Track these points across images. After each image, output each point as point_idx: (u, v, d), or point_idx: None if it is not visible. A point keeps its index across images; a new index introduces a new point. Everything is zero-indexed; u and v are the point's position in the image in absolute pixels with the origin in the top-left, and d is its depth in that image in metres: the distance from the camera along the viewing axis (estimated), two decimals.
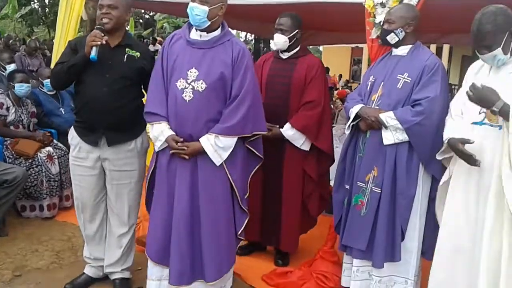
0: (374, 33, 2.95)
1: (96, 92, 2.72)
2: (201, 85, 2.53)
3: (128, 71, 2.75)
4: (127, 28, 2.94)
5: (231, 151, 2.57)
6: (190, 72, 2.55)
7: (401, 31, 2.70)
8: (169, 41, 2.71)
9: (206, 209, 2.59)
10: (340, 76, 17.68)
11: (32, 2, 22.35)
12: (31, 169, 4.08)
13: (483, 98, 2.12)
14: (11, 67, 5.27)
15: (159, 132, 2.59)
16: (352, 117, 2.78)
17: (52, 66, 4.39)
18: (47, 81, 4.71)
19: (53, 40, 9.33)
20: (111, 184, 2.89)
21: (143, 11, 21.72)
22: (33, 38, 12.94)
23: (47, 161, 4.19)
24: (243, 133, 2.59)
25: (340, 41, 7.40)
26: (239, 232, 2.74)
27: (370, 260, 2.77)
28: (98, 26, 2.69)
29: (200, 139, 2.53)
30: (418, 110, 2.58)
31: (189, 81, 2.54)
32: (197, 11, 2.52)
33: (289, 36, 3.26)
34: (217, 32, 2.63)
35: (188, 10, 2.56)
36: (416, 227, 2.71)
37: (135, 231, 3.09)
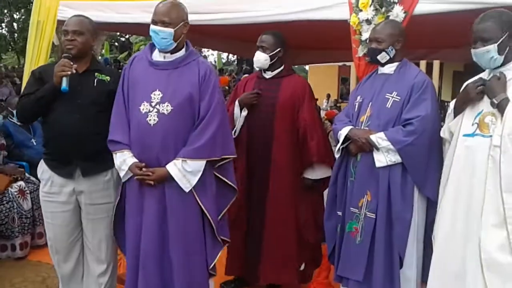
0: (360, 51, 2.99)
1: (67, 120, 2.71)
2: (166, 108, 2.54)
3: (99, 97, 2.75)
4: (102, 52, 2.95)
5: (200, 178, 2.56)
6: (154, 94, 2.56)
7: (392, 49, 2.75)
8: (130, 64, 2.75)
9: (176, 239, 2.57)
10: (328, 96, 17.82)
11: (0, 28, 22.37)
12: (2, 206, 4.04)
13: (491, 87, 2.22)
14: None
15: (121, 161, 2.59)
16: (341, 139, 2.79)
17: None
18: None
19: (23, 67, 9.30)
20: (87, 219, 2.85)
21: (118, 34, 21.84)
22: (0, 65, 12.88)
23: (19, 197, 4.15)
24: (211, 156, 2.58)
25: (326, 59, 7.49)
26: (211, 266, 2.70)
27: None
28: (65, 54, 2.71)
29: (167, 165, 2.52)
30: (409, 130, 2.61)
31: (153, 104, 2.55)
32: (163, 35, 2.55)
33: (271, 54, 3.30)
34: (182, 52, 2.67)
35: (151, 33, 2.58)
36: (414, 253, 2.70)
37: (116, 269, 3.04)
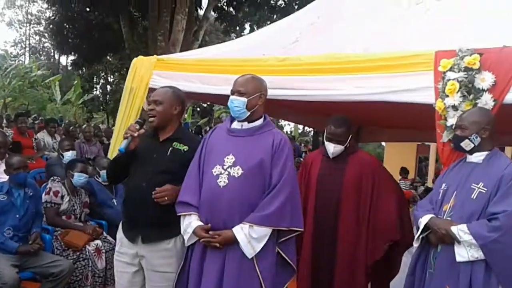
0: (445, 137, 2.91)
1: (135, 185, 2.80)
2: (237, 171, 2.56)
3: (170, 165, 2.79)
4: (185, 117, 3.06)
5: (263, 246, 2.52)
6: (227, 158, 2.61)
7: (476, 137, 2.64)
8: (211, 133, 2.83)
9: None
10: (406, 169, 17.29)
11: (94, 89, 23.99)
12: (78, 262, 4.14)
13: None
14: (69, 154, 5.51)
15: (187, 224, 2.62)
16: (421, 227, 2.66)
17: (109, 154, 4.62)
18: (103, 172, 4.87)
19: (112, 128, 9.84)
20: (149, 285, 2.84)
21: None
22: (89, 124, 13.68)
23: (95, 255, 4.25)
24: (279, 225, 2.54)
25: (405, 138, 7.36)
26: None
27: None
28: (138, 120, 2.84)
29: (233, 229, 2.50)
30: (495, 225, 2.43)
31: (225, 167, 2.59)
32: (236, 103, 2.65)
33: (345, 145, 3.32)
34: (259, 122, 2.72)
35: (228, 103, 2.69)
36: None
37: None
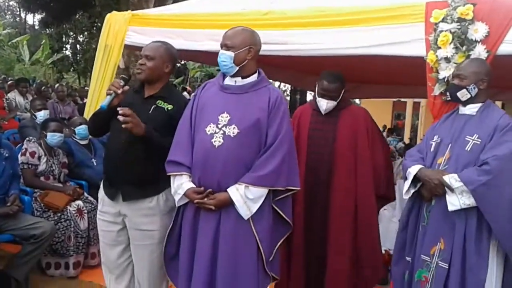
0: (437, 89, 2.86)
1: (115, 143, 2.71)
2: (233, 130, 2.48)
3: (151, 123, 2.67)
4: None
5: (259, 206, 2.47)
6: (222, 116, 2.52)
7: (474, 88, 2.58)
8: (201, 89, 2.72)
9: (225, 267, 2.47)
10: (384, 127, 17.53)
11: (64, 49, 23.32)
12: (60, 224, 4.05)
13: None
14: (41, 114, 5.37)
15: (178, 185, 2.54)
16: (410, 178, 2.63)
17: (85, 114, 4.49)
18: (78, 129, 4.79)
19: (85, 88, 9.63)
20: (132, 244, 2.81)
21: None
22: (62, 83, 13.33)
23: (76, 216, 4.15)
24: (275, 185, 2.49)
25: (385, 94, 7.36)
26: None
27: None
28: (122, 75, 2.72)
29: (228, 190, 2.44)
30: (485, 169, 2.40)
31: (219, 125, 2.50)
32: (223, 57, 2.55)
33: (338, 100, 3.24)
34: (253, 78, 2.62)
35: (218, 58, 2.59)
36: None
37: None
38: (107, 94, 2.66)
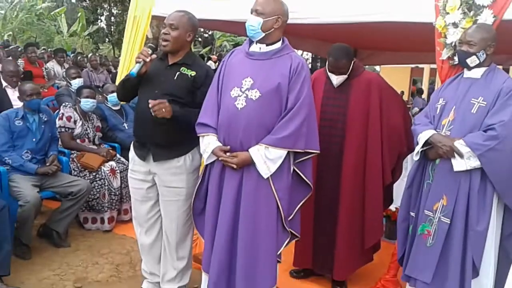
0: (445, 54, 2.79)
1: (144, 108, 2.72)
2: (255, 94, 2.48)
3: (176, 89, 2.72)
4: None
5: (279, 167, 2.49)
6: (245, 81, 2.52)
7: (483, 54, 2.53)
8: (229, 56, 2.72)
9: (246, 221, 2.52)
10: (402, 93, 17.19)
11: (99, 21, 23.38)
12: (95, 182, 4.18)
13: None
14: (76, 82, 5.45)
15: (206, 144, 2.57)
16: (421, 143, 2.61)
17: (116, 82, 4.54)
18: (110, 96, 4.88)
19: (118, 58, 9.66)
20: (161, 200, 2.89)
21: (202, 29, 22.26)
22: (94, 53, 13.40)
23: (110, 175, 4.28)
24: (294, 147, 2.49)
25: (400, 61, 7.19)
26: (278, 253, 2.62)
27: None
28: (150, 44, 2.74)
29: (250, 150, 2.47)
30: (491, 135, 2.39)
31: (243, 89, 2.51)
32: (252, 22, 2.53)
33: (348, 73, 3.19)
34: (277, 45, 2.59)
35: (246, 22, 2.56)
36: (492, 262, 2.51)
37: (191, 250, 3.05)
38: (136, 62, 2.69)
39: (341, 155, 3.18)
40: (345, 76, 3.18)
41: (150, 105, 2.61)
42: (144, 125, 2.78)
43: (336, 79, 3.19)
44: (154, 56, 2.72)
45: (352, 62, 3.18)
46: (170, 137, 2.76)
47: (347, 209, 3.21)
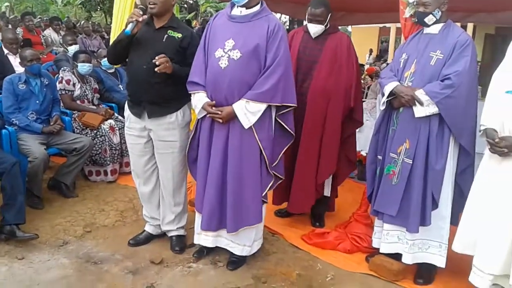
0: (407, 12, 2.80)
1: (137, 68, 2.72)
2: (236, 54, 2.50)
3: (166, 50, 2.68)
4: (173, 12, 2.88)
5: (261, 119, 2.54)
6: (228, 42, 2.53)
7: (438, 12, 2.54)
8: (213, 19, 2.71)
9: (233, 167, 2.59)
10: (371, 50, 17.06)
11: None
12: (96, 139, 4.16)
13: None
14: (72, 48, 5.30)
15: (197, 101, 2.61)
16: (386, 93, 2.64)
17: None
18: (104, 61, 4.79)
19: (110, 25, 9.40)
20: (157, 152, 2.90)
21: None
22: (86, 20, 12.94)
23: (110, 132, 4.26)
24: (272, 101, 2.54)
25: (369, 21, 7.12)
26: (263, 194, 2.70)
27: (399, 225, 2.70)
28: (140, 6, 2.67)
29: (233, 104, 2.51)
30: (447, 84, 2.44)
31: (225, 50, 2.52)
32: None
33: (325, 24, 3.16)
34: (256, 8, 2.59)
35: None
36: (449, 196, 2.61)
37: (186, 195, 3.09)
38: (129, 22, 2.63)
39: (306, 96, 3.18)
40: (322, 27, 3.17)
41: (156, 60, 2.59)
42: (139, 84, 2.75)
43: (314, 28, 3.18)
44: (145, 16, 2.66)
45: (329, 14, 3.16)
46: (163, 95, 2.74)
47: (305, 149, 3.22)
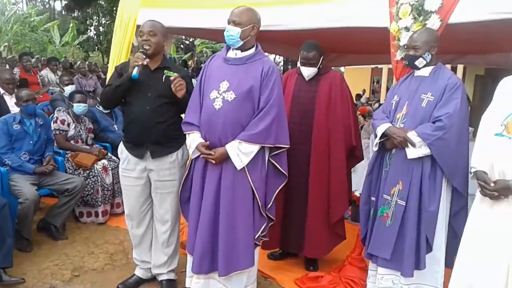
0: (398, 55, 2.85)
1: (140, 110, 2.73)
2: (230, 96, 2.52)
3: (165, 91, 2.71)
4: (170, 53, 2.93)
5: (254, 161, 2.53)
6: (222, 84, 2.56)
7: (428, 55, 2.60)
8: (209, 61, 2.75)
9: (225, 208, 2.56)
10: (364, 91, 17.31)
11: (89, 31, 22.98)
12: (89, 179, 4.14)
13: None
14: (69, 88, 5.37)
15: (191, 141, 2.62)
16: (379, 135, 2.66)
17: None
18: None
19: (107, 64, 9.54)
20: (156, 192, 2.88)
21: (184, 37, 22.06)
22: (83, 61, 13.14)
23: (103, 172, 4.24)
24: (265, 142, 2.54)
25: (361, 62, 7.27)
26: (256, 237, 2.65)
27: (393, 268, 2.65)
28: (141, 50, 2.72)
29: (226, 145, 2.51)
30: (439, 126, 2.46)
31: (220, 92, 2.55)
32: (231, 32, 2.55)
33: (318, 66, 3.24)
34: (251, 51, 2.63)
35: (224, 32, 2.58)
36: (443, 238, 2.59)
37: (178, 237, 3.05)
38: (134, 66, 2.65)
39: (309, 138, 3.22)
40: (315, 70, 3.24)
41: (172, 79, 2.64)
42: (142, 125, 2.74)
43: (307, 71, 3.24)
44: (148, 60, 2.71)
45: (321, 57, 3.23)
46: (167, 134, 2.77)
47: (316, 189, 3.23)
